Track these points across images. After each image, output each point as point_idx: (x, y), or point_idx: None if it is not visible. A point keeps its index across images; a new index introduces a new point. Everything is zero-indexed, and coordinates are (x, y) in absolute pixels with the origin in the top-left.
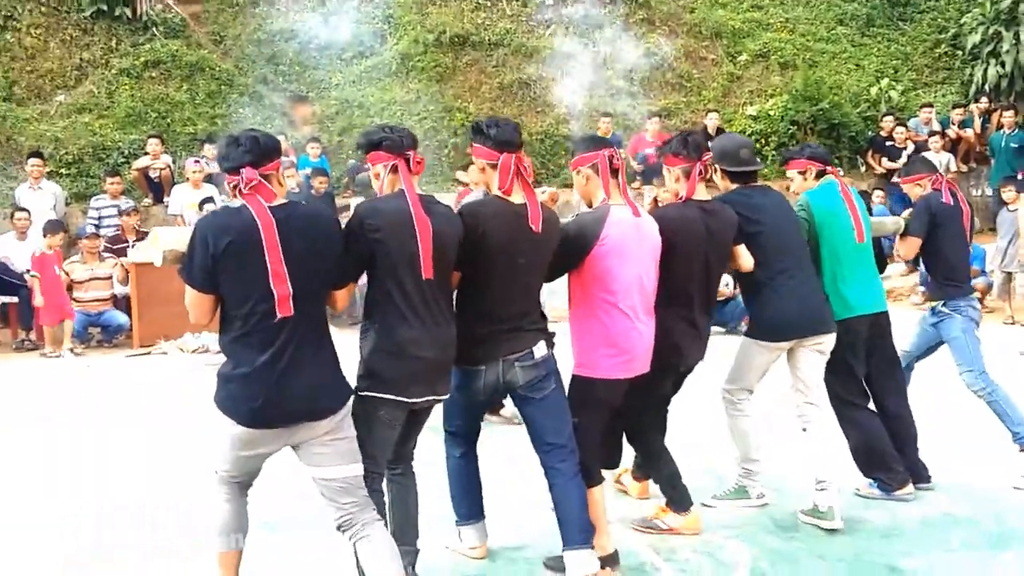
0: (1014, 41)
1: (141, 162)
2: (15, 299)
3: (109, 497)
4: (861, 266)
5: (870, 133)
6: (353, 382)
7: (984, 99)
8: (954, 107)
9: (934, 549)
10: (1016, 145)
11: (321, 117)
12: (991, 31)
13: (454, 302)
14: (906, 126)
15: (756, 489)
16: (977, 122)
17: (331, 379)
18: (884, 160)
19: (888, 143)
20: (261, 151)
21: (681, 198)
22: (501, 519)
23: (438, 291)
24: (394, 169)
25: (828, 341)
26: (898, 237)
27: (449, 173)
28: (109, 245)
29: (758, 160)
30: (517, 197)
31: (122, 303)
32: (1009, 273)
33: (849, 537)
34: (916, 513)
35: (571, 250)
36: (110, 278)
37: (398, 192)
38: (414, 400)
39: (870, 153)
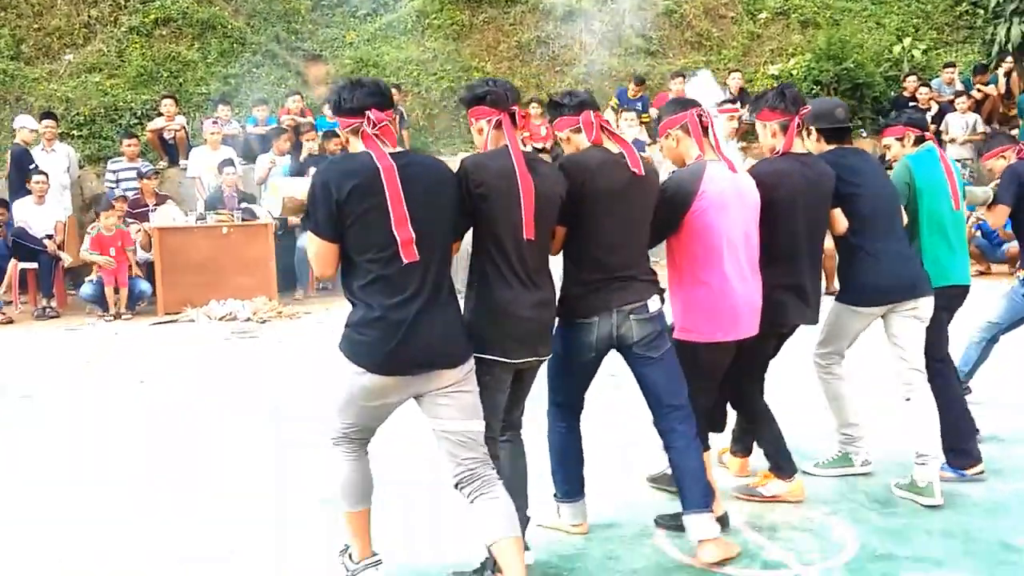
0: None
1: (156, 123)
2: (35, 265)
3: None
4: (956, 235)
5: (892, 94)
6: None
7: (1009, 59)
8: (975, 72)
9: None
10: None
11: (336, 77)
12: None
13: (565, 257)
14: (929, 86)
15: (860, 456)
16: (1002, 81)
17: (460, 329)
18: None
19: (911, 104)
20: (384, 95)
21: (777, 152)
22: (596, 492)
23: (537, 253)
24: (498, 125)
25: (924, 306)
26: (986, 208)
27: (467, 135)
28: (130, 209)
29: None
30: (612, 147)
31: (142, 270)
32: None
33: (951, 512)
34: (1012, 488)
35: (671, 208)
36: (132, 244)
37: (503, 149)
38: (516, 360)
39: (893, 114)
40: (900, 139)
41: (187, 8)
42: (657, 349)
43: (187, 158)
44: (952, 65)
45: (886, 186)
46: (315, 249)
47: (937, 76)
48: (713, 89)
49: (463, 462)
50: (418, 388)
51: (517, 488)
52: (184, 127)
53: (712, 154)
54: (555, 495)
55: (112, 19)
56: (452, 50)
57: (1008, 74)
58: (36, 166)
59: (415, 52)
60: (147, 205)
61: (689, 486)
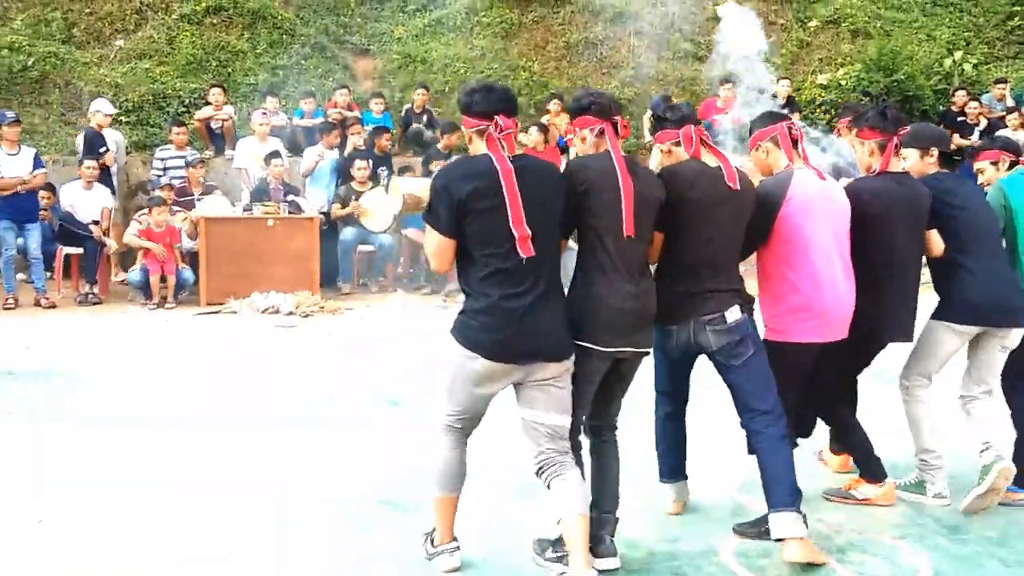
0: None
1: (204, 112)
2: (80, 250)
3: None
4: None
5: (941, 107)
6: None
7: None
8: None
9: None
10: None
11: (383, 72)
12: None
13: (658, 263)
14: (979, 101)
15: (936, 486)
16: None
17: (566, 326)
18: (956, 136)
19: (960, 119)
20: (513, 103)
21: (874, 171)
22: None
23: (636, 250)
24: (600, 133)
25: (1014, 337)
26: None
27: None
28: (176, 198)
29: None
30: (711, 161)
31: (186, 259)
32: None
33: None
34: None
35: (761, 215)
36: (179, 240)
37: (604, 153)
38: (610, 349)
39: (942, 128)
40: (995, 163)
41: None
42: (738, 357)
43: (233, 148)
44: (1004, 81)
45: (985, 206)
46: (435, 244)
47: (988, 91)
48: (749, 19)
49: (546, 450)
50: (520, 376)
51: (608, 492)
52: (231, 117)
53: (800, 164)
54: (660, 478)
55: (163, 6)
56: (500, 48)
57: None
58: (107, 149)
59: (463, 49)
60: (193, 194)
61: (775, 485)
